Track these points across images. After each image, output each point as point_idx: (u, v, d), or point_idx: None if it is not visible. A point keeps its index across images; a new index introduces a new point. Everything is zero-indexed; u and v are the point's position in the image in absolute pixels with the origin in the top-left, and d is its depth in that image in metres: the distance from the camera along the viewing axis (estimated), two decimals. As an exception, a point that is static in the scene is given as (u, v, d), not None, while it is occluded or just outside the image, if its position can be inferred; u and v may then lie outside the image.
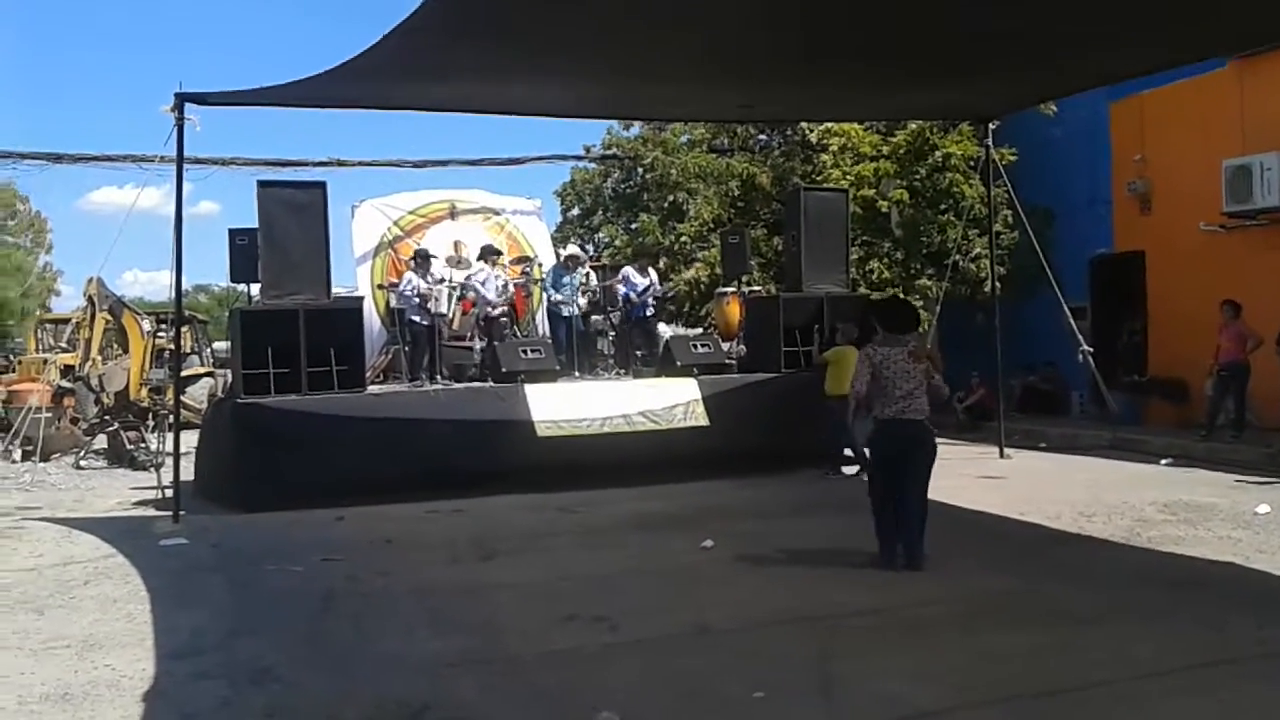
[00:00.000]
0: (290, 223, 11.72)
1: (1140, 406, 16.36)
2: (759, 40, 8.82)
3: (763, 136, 20.15)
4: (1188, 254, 15.70)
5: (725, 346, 14.55)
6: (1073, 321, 14.08)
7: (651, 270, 15.36)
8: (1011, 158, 16.28)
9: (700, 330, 17.36)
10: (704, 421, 12.52)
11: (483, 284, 14.06)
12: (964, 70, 10.35)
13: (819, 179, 17.19)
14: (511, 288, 14.64)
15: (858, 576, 7.32)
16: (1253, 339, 13.48)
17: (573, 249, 15.25)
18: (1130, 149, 17.01)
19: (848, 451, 12.34)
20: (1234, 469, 12.31)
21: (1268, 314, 13.34)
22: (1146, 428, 15.56)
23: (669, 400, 12.59)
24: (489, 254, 14.46)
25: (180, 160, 10.90)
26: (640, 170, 20.97)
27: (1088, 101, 16.26)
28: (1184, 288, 15.60)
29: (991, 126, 13.91)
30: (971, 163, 16.64)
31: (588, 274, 15.19)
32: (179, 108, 10.53)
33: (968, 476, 11.68)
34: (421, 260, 14.03)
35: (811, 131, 18.38)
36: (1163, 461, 13.13)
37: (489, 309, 14.03)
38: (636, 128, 21.04)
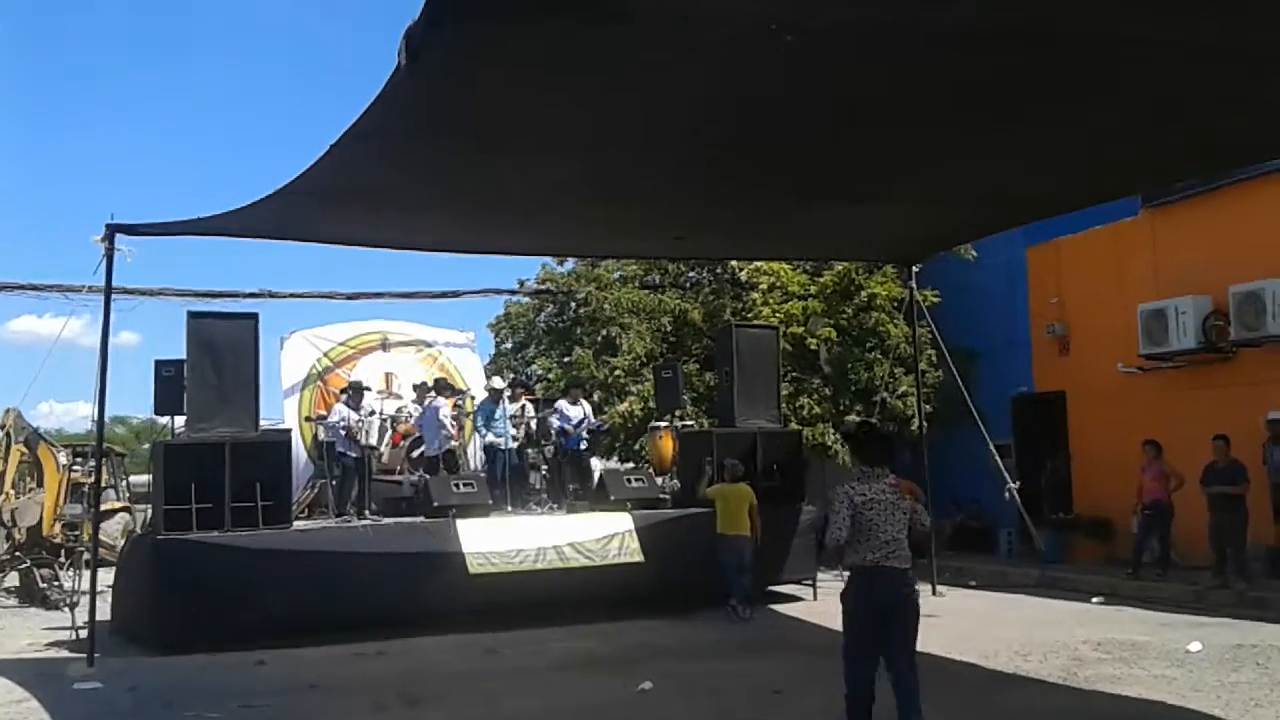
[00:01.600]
0: (220, 354, 11.58)
1: (1067, 544, 16.53)
2: (697, 165, 8.98)
3: (694, 274, 20.52)
4: (1107, 394, 16.12)
5: (659, 481, 14.53)
6: (999, 459, 14.32)
7: (584, 402, 15.41)
8: (935, 299, 16.73)
9: (634, 465, 17.32)
10: (638, 557, 12.39)
11: (446, 416, 14.04)
12: (886, 213, 10.69)
13: (749, 316, 17.48)
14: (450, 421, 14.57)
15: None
16: (1175, 478, 13.77)
17: (496, 381, 15.24)
18: (1048, 292, 17.57)
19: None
20: (1162, 607, 12.42)
21: (1188, 453, 13.66)
22: (1074, 565, 15.71)
23: (603, 534, 12.46)
24: (443, 388, 14.45)
25: (109, 291, 10.83)
26: (574, 305, 21.17)
27: (1006, 246, 16.86)
28: (1105, 427, 15.97)
29: (915, 269, 14.32)
30: (896, 303, 17.06)
31: (523, 406, 15.15)
32: (110, 238, 10.48)
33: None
34: (355, 392, 13.91)
35: (741, 270, 18.76)
36: (1093, 599, 13.23)
37: (449, 443, 14.00)
38: (570, 263, 21.30)
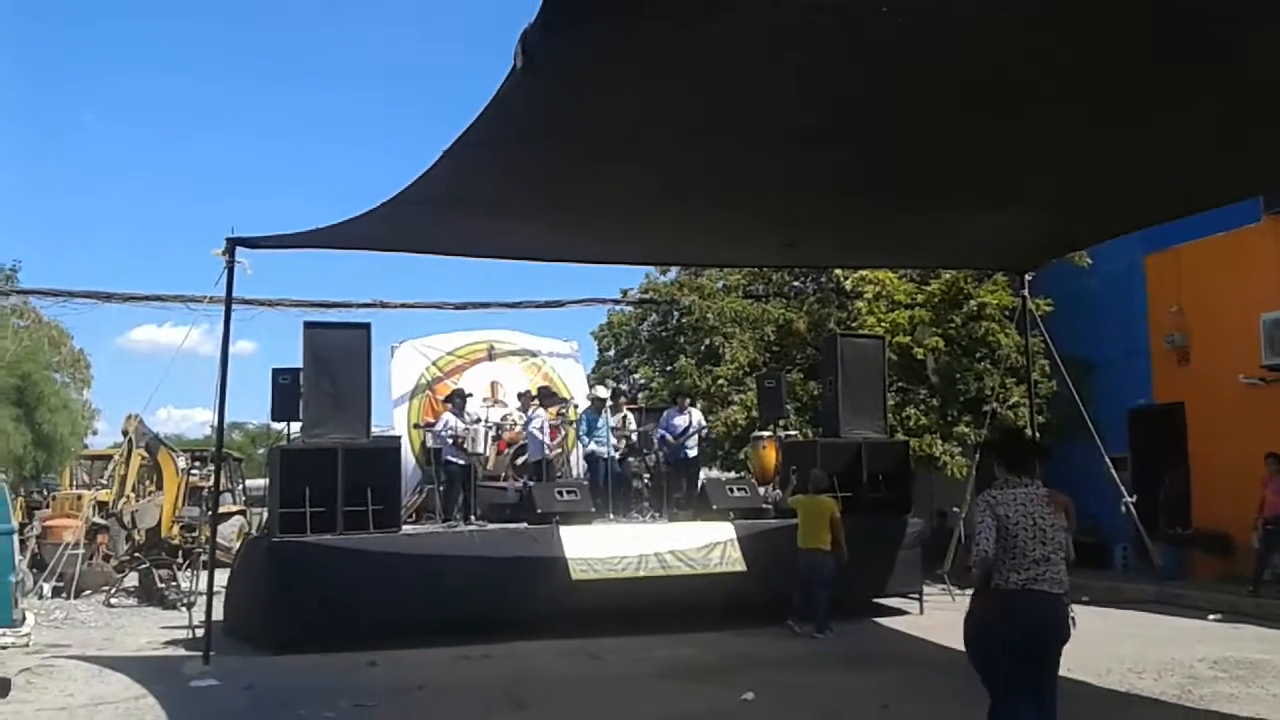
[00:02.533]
0: (333, 363, 11.90)
1: (1184, 560, 16.01)
2: (799, 181, 8.90)
3: (798, 283, 20.37)
4: (1228, 406, 15.58)
5: (761, 491, 14.45)
6: (1114, 472, 13.91)
7: (693, 410, 15.34)
8: (1048, 308, 16.36)
9: (736, 474, 17.25)
10: (740, 567, 12.34)
11: (539, 428, 14.17)
12: (1000, 218, 10.47)
13: (854, 325, 17.30)
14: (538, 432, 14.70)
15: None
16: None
17: (599, 390, 15.31)
18: (1167, 301, 17.06)
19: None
20: (1285, 626, 11.97)
21: (1311, 467, 13.16)
22: (1192, 582, 15.21)
23: (704, 542, 12.44)
24: (545, 397, 14.58)
25: (229, 302, 11.14)
26: (677, 314, 21.19)
27: (1123, 254, 16.43)
28: (1226, 439, 15.43)
29: (1027, 277, 14.01)
30: (1007, 312, 16.73)
31: (624, 417, 15.20)
32: (230, 251, 10.81)
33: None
34: (458, 400, 14.14)
35: (846, 279, 18.58)
36: (1210, 617, 12.78)
37: (544, 452, 14.11)
38: (673, 272, 21.34)
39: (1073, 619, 5.52)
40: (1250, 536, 14.10)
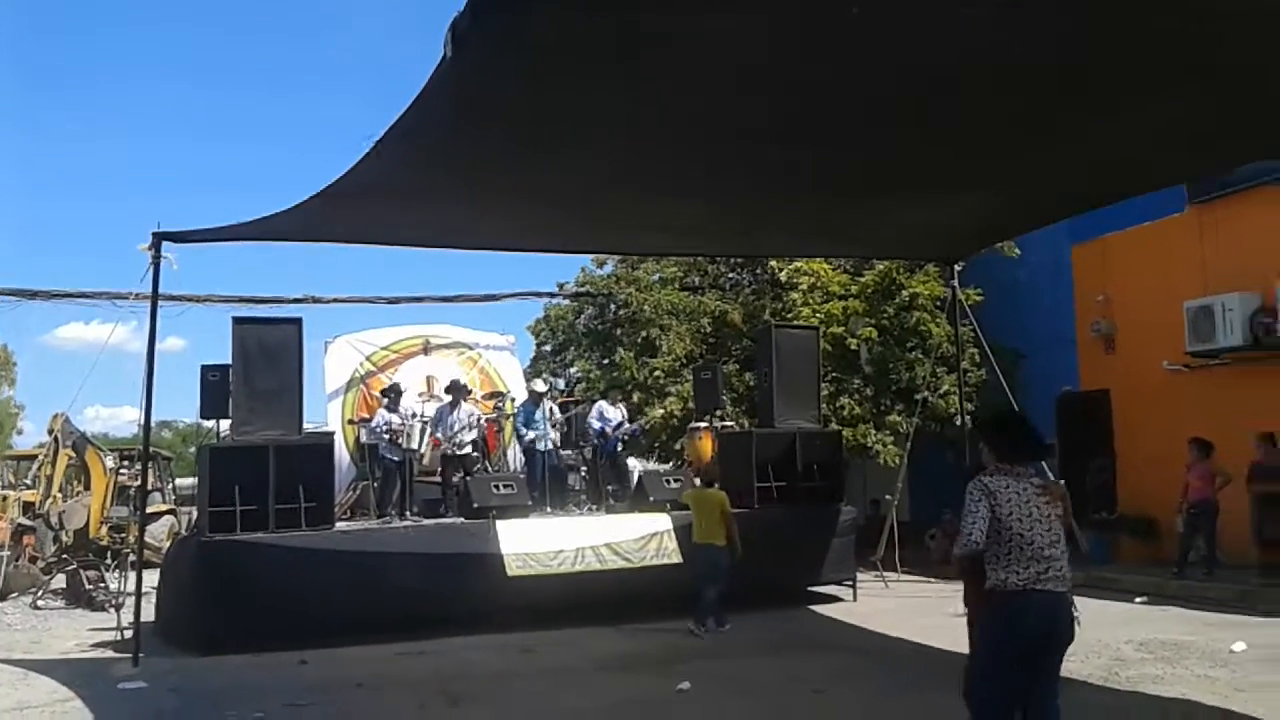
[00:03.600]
0: (264, 359, 11.72)
1: (1110, 544, 16.32)
2: (730, 171, 8.90)
3: (733, 275, 20.48)
4: (1153, 392, 15.90)
5: (697, 482, 14.50)
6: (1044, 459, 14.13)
7: (621, 406, 15.41)
8: (978, 298, 16.58)
9: (673, 465, 17.32)
10: (676, 559, 12.37)
11: (452, 421, 14.03)
12: (927, 207, 10.57)
13: (789, 316, 17.41)
14: (482, 421, 14.60)
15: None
16: (1221, 477, 13.57)
17: (537, 383, 15.28)
18: (1093, 290, 17.37)
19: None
20: (1207, 607, 12.27)
21: (1233, 451, 13.47)
22: (1118, 565, 15.51)
23: (641, 534, 12.47)
24: (455, 390, 14.41)
25: (155, 298, 10.94)
26: (614, 307, 21.19)
27: (1050, 244, 16.70)
28: (1151, 425, 15.72)
29: (957, 268, 14.19)
30: (938, 302, 16.94)
31: (551, 409, 15.17)
32: (156, 246, 10.61)
33: (944, 615, 11.53)
34: (393, 395, 14.03)
35: (781, 270, 18.70)
36: (1137, 600, 13.08)
37: (454, 446, 13.96)
38: (610, 265, 21.34)
39: (1077, 618, 5.10)
40: (1175, 520, 14.41)
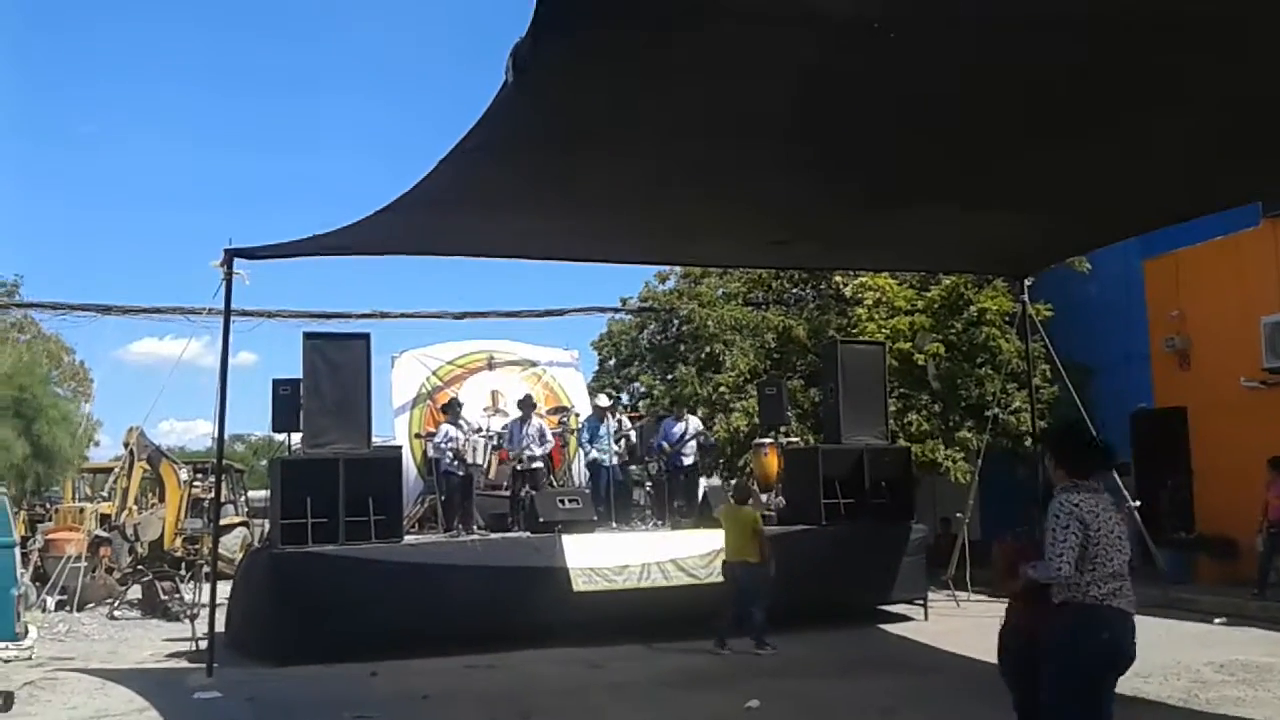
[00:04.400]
0: (334, 373, 11.89)
1: (1188, 564, 15.99)
2: (804, 169, 8.88)
3: (797, 290, 20.39)
4: (1230, 409, 15.56)
5: (764, 498, 14.43)
6: (1117, 477, 13.89)
7: (690, 417, 15.31)
8: (1048, 313, 16.36)
9: (738, 481, 17.24)
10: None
11: (523, 436, 14.06)
12: (996, 222, 10.47)
13: (854, 332, 17.29)
14: (550, 436, 14.62)
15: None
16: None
17: (601, 398, 15.30)
18: (1166, 305, 17.05)
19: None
20: (1290, 629, 11.95)
21: (1314, 469, 13.15)
22: (1196, 585, 15.17)
23: (706, 551, 12.40)
24: (525, 406, 14.46)
25: (228, 313, 11.14)
26: (677, 322, 21.19)
27: (1121, 259, 16.43)
28: (1228, 443, 15.40)
29: (1027, 282, 14.01)
30: (1007, 317, 16.74)
31: (620, 421, 15.17)
32: (228, 263, 10.82)
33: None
34: (454, 409, 14.10)
35: (846, 285, 18.59)
36: (1216, 621, 12.76)
37: (524, 460, 14.00)
38: (672, 281, 21.36)
39: (1132, 641, 5.02)
40: (1255, 540, 14.07)
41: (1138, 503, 14.16)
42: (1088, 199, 9.70)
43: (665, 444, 14.66)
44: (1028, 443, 15.62)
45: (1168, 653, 10.44)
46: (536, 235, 11.20)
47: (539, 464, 14.12)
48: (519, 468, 13.97)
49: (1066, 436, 5.52)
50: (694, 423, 15.20)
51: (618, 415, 15.41)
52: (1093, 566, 4.86)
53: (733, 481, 17.50)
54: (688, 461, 14.91)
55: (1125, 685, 8.84)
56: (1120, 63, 6.32)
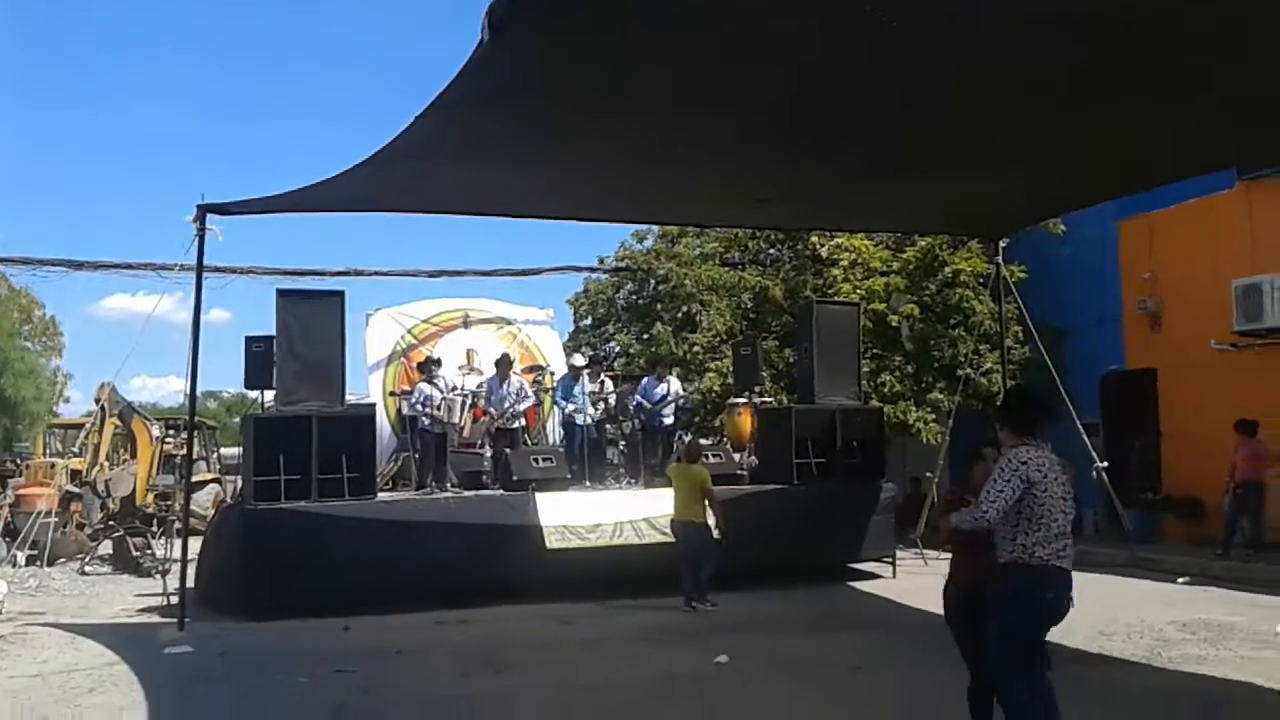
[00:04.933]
0: (307, 331, 11.83)
1: (1155, 524, 16.20)
2: (781, 132, 8.88)
3: (774, 251, 20.39)
4: (1199, 371, 15.72)
5: (737, 457, 14.51)
6: (1086, 438, 14.02)
7: (671, 379, 15.35)
8: (1022, 274, 16.41)
9: (712, 441, 17.31)
10: (715, 534, 12.37)
11: (502, 394, 14.05)
12: (975, 183, 10.48)
13: (830, 293, 17.32)
14: (528, 392, 14.62)
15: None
16: (1271, 457, 13.40)
17: (577, 357, 15.29)
18: (1139, 267, 17.16)
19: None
20: (1252, 588, 12.13)
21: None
22: (1162, 546, 15.39)
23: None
24: (502, 364, 14.44)
25: (200, 269, 11.05)
26: (653, 282, 21.18)
27: (1096, 221, 16.48)
28: (1197, 405, 15.57)
29: (1001, 244, 14.04)
30: (981, 279, 16.81)
31: (603, 382, 15.19)
32: (201, 218, 10.72)
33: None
34: (431, 367, 14.07)
35: (822, 246, 18.59)
36: (1180, 580, 12.95)
37: (504, 419, 13.99)
38: (650, 240, 21.31)
39: (1070, 596, 5.25)
40: (1221, 500, 14.26)
41: (1105, 464, 14.29)
42: (1064, 163, 9.72)
43: (645, 402, 14.68)
44: (997, 404, 15.70)
45: (1132, 611, 10.62)
46: (514, 193, 11.13)
47: (519, 422, 14.14)
48: (500, 425, 13.96)
49: (1010, 397, 5.83)
50: (675, 384, 15.23)
51: (601, 376, 15.41)
52: (1038, 527, 5.02)
53: (704, 441, 17.55)
54: (668, 422, 14.95)
55: (1089, 642, 9.07)
56: (1100, 34, 6.32)
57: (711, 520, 11.23)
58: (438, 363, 14.44)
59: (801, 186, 10.89)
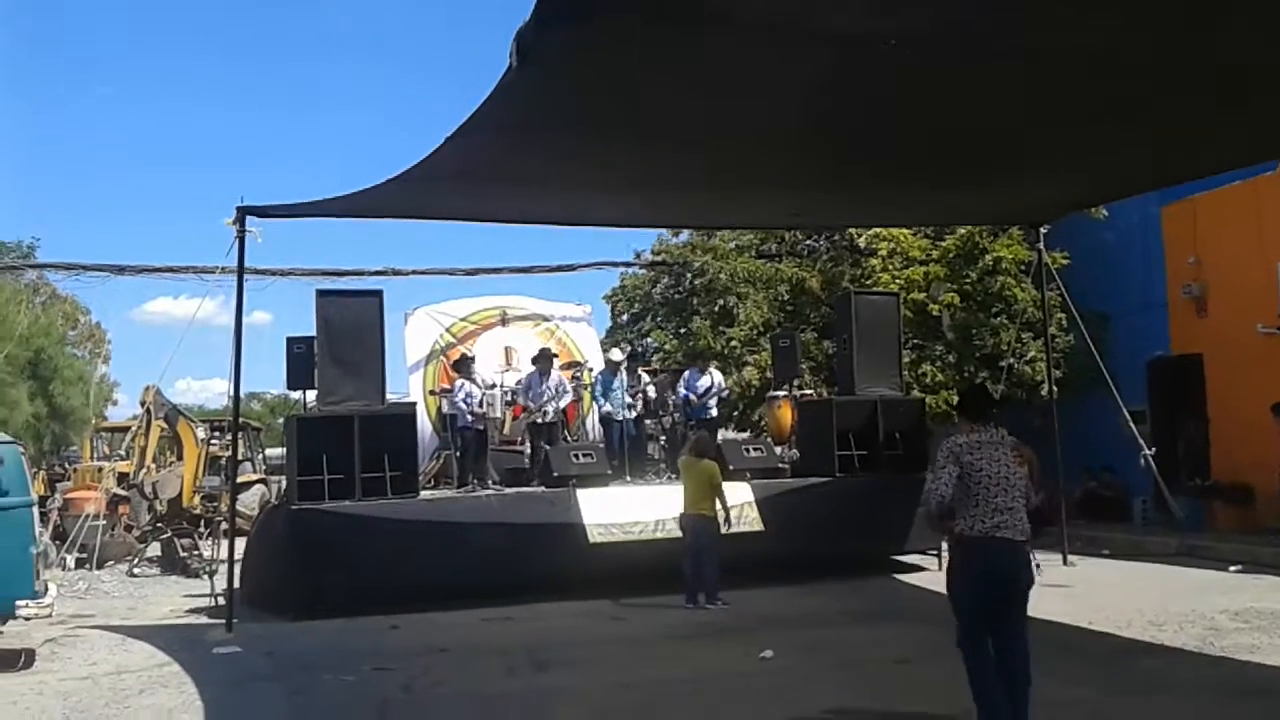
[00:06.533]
0: (347, 330, 11.89)
1: (1204, 511, 15.96)
2: (808, 147, 8.88)
3: (811, 241, 20.27)
4: (1247, 356, 15.45)
5: (778, 450, 14.43)
6: (1133, 425, 13.83)
7: (714, 371, 15.29)
8: (1064, 261, 16.22)
9: (751, 434, 17.24)
10: (758, 526, 12.34)
11: (542, 390, 14.04)
12: (1013, 174, 10.37)
13: (868, 283, 17.20)
14: (567, 386, 14.60)
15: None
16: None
17: (614, 353, 15.25)
18: (1184, 251, 16.89)
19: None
20: (1307, 576, 11.93)
21: (1331, 416, 13.04)
22: (1212, 533, 15.15)
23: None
24: (543, 359, 14.43)
25: (241, 271, 11.15)
26: (689, 276, 21.13)
27: (1139, 205, 16.25)
28: (1244, 390, 15.30)
29: (1043, 230, 13.88)
30: (1023, 266, 16.63)
31: (639, 377, 15.15)
32: (240, 220, 10.80)
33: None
34: (465, 365, 14.10)
35: (860, 236, 18.47)
36: (1232, 568, 12.73)
37: (542, 414, 13.98)
38: (685, 234, 21.26)
39: (1037, 565, 6.00)
40: (1275, 488, 14.01)
41: (1153, 450, 14.09)
42: (1107, 158, 9.59)
43: (692, 395, 14.61)
44: (1043, 392, 15.55)
45: (1183, 601, 10.46)
46: (543, 205, 11.27)
47: (556, 418, 14.13)
48: (540, 421, 13.95)
49: (966, 393, 6.63)
50: (718, 377, 15.16)
51: (637, 370, 15.38)
52: (975, 503, 5.62)
53: (744, 435, 17.48)
54: (713, 414, 14.88)
55: (1140, 632, 8.96)
56: (1146, 28, 6.22)
57: (721, 516, 11.14)
58: (472, 360, 14.47)
59: (834, 195, 10.89)
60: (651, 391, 15.07)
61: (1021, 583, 5.75)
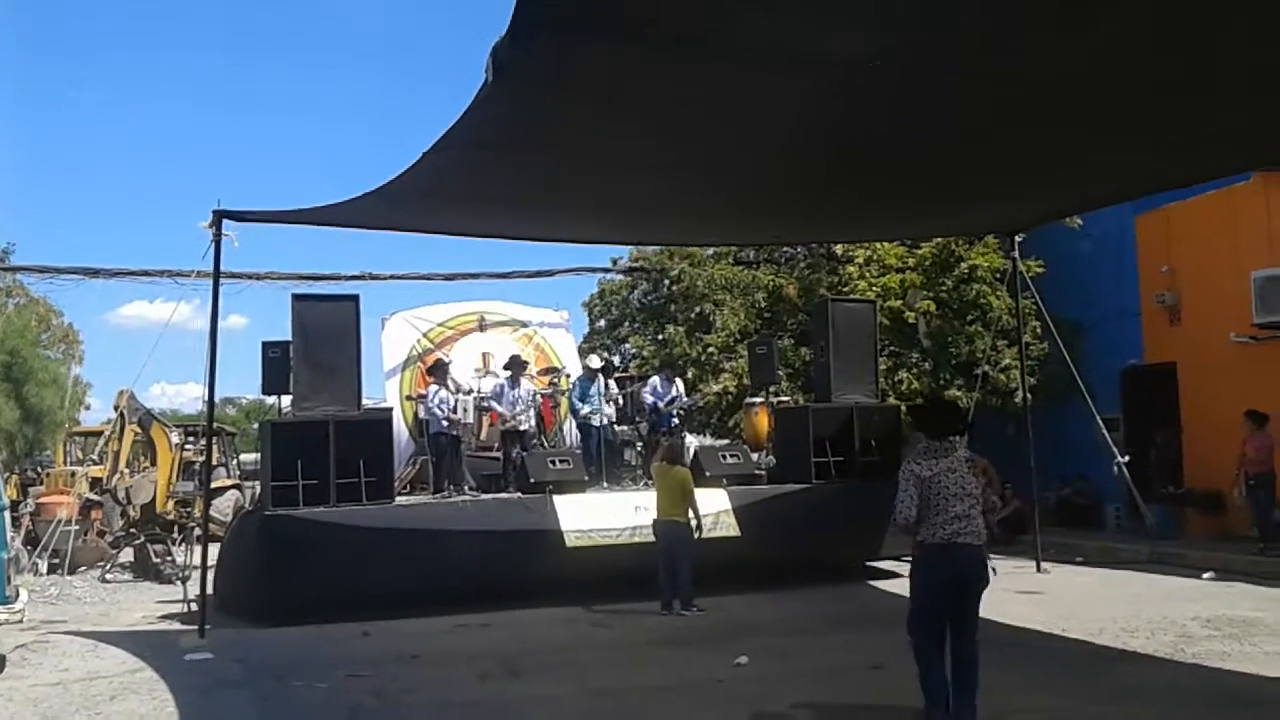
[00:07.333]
0: (323, 335, 11.85)
1: (1177, 519, 16.07)
2: (785, 171, 8.90)
3: (787, 249, 20.31)
4: (1220, 365, 15.59)
5: (754, 457, 14.46)
6: (1106, 433, 13.93)
7: (678, 381, 15.37)
8: (1039, 269, 16.34)
9: (728, 441, 17.27)
10: (734, 532, 12.37)
11: (514, 397, 14.04)
12: (989, 190, 10.41)
13: (845, 290, 17.28)
14: (538, 398, 14.62)
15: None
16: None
17: (592, 359, 15.28)
18: (1157, 260, 17.03)
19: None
20: (1277, 582, 12.00)
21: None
22: (1185, 540, 15.25)
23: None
24: (515, 366, 14.43)
25: (217, 275, 11.05)
26: (667, 282, 21.15)
27: (1113, 214, 16.31)
28: (1217, 398, 15.44)
29: (1018, 239, 13.98)
30: (998, 274, 16.74)
31: (607, 384, 15.17)
32: (217, 224, 10.72)
33: (1006, 591, 11.42)
34: (440, 371, 14.07)
35: (837, 244, 18.53)
36: (1204, 575, 12.82)
37: (515, 421, 13.98)
38: (663, 240, 21.26)
39: (992, 568, 6.43)
40: (1234, 494, 14.14)
41: (1126, 458, 14.20)
42: (1081, 169, 9.64)
43: (659, 403, 14.66)
44: (1017, 400, 15.64)
45: (1155, 607, 10.54)
46: (516, 222, 11.29)
47: (527, 425, 14.12)
48: (511, 428, 13.95)
49: (924, 407, 7.04)
50: (681, 388, 15.25)
51: (607, 383, 15.42)
52: (936, 513, 6.13)
53: (721, 441, 17.50)
54: (676, 423, 14.94)
55: (1112, 639, 9.01)
56: (1115, 43, 6.26)
57: (693, 521, 11.17)
58: (448, 365, 14.45)
59: (814, 214, 10.92)
60: (620, 401, 15.11)
61: (978, 583, 6.27)
